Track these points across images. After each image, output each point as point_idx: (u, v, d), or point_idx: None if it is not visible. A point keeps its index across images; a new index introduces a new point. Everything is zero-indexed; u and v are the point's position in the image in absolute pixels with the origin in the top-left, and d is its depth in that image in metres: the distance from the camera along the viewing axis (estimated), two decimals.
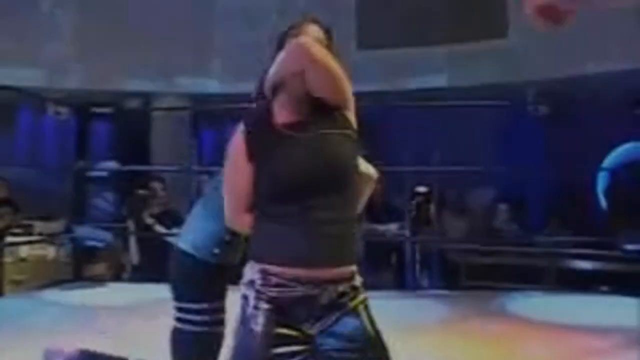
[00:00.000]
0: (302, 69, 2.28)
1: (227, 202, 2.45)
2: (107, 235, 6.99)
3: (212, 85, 8.88)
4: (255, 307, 2.32)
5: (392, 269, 7.55)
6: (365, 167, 2.62)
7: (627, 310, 5.23)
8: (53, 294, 5.91)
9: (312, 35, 2.44)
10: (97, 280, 6.52)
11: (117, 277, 7.08)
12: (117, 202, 9.26)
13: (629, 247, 7.16)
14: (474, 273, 7.55)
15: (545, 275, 7.00)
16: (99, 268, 6.99)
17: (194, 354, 2.95)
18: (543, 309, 5.00)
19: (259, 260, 2.34)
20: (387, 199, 7.44)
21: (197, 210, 3.06)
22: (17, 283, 6.39)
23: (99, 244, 6.92)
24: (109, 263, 7.10)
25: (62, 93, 7.91)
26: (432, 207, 8.07)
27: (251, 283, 2.34)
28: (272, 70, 2.36)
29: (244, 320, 2.35)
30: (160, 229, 6.61)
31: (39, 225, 7.20)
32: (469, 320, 4.56)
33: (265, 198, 2.33)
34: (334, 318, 2.34)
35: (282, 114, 2.37)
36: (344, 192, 2.32)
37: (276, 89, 2.38)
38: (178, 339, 2.95)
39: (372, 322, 2.39)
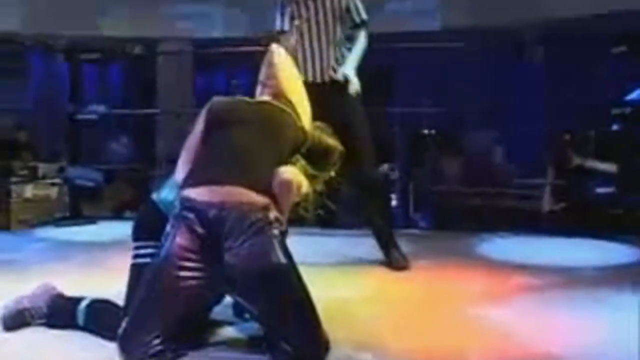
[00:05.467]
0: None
1: None
2: (99, 176, 7.31)
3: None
4: (170, 233, 2.59)
5: None
6: (295, 175, 2.76)
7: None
8: (44, 231, 6.25)
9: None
10: (89, 218, 6.84)
11: (118, 216, 7.44)
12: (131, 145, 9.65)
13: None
14: (462, 215, 7.62)
15: (526, 217, 7.06)
16: (94, 207, 7.32)
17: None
18: (502, 251, 5.06)
19: (181, 188, 2.65)
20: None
21: None
22: (23, 222, 6.69)
23: (90, 184, 7.23)
24: (105, 202, 7.45)
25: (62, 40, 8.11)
26: (430, 149, 8.20)
27: (175, 211, 2.62)
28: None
29: (162, 245, 2.61)
30: None
31: (42, 167, 7.50)
32: (415, 260, 4.64)
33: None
34: (243, 243, 2.49)
35: None
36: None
37: None
38: (132, 274, 2.96)
39: (284, 253, 2.54)
